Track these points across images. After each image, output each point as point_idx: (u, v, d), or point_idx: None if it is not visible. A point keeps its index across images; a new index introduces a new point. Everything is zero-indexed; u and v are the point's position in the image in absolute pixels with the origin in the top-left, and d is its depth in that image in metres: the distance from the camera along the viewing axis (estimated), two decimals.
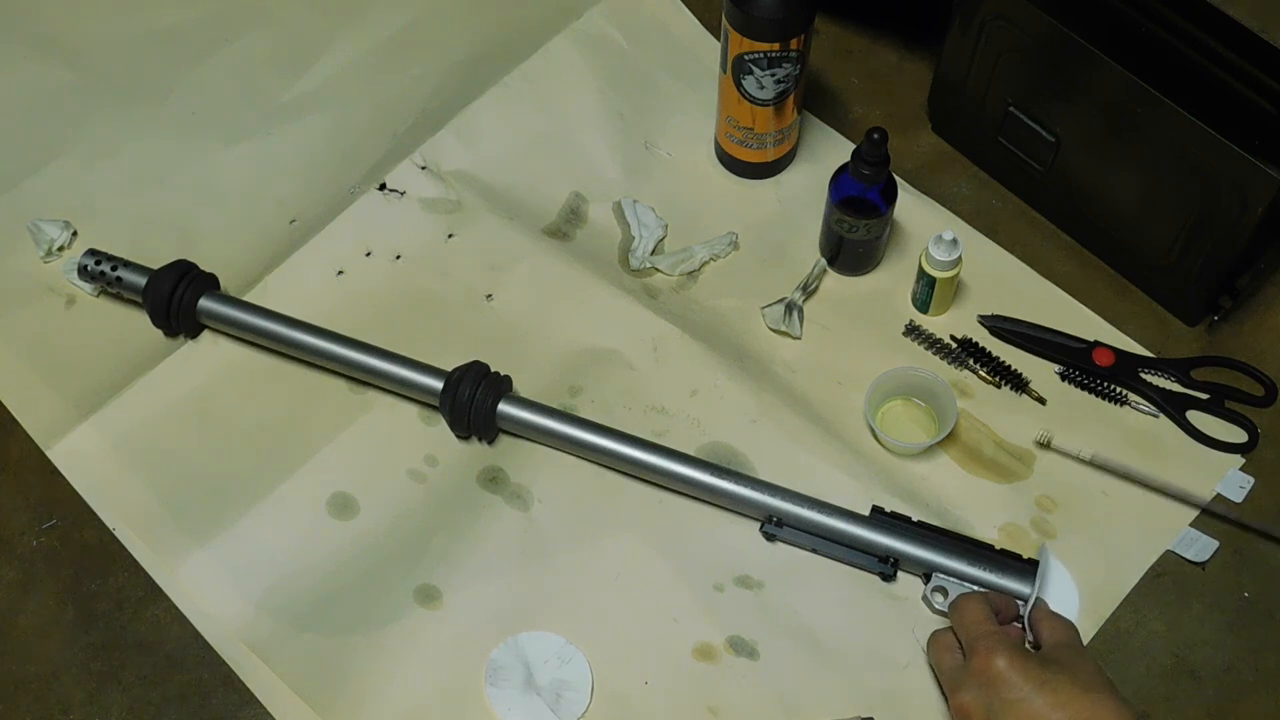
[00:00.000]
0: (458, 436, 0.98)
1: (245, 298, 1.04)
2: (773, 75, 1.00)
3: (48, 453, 0.98)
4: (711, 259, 1.07)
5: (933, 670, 0.87)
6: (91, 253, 1.03)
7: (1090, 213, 1.04)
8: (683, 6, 1.21)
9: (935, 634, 0.86)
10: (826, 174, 1.01)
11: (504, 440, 0.99)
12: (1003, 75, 1.02)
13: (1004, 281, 1.05)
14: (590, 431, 0.95)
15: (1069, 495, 0.96)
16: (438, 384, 0.97)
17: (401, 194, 1.10)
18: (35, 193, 1.11)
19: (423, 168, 1.11)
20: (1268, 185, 0.87)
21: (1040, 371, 1.01)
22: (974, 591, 0.88)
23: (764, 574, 0.93)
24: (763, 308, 1.04)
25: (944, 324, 1.04)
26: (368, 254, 1.08)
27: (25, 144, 1.13)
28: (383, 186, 1.11)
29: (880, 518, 0.92)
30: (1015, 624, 0.87)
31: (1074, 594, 0.91)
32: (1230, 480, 0.96)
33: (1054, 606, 0.88)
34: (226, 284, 1.05)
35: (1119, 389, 1.00)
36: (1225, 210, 0.92)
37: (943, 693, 0.85)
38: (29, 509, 0.97)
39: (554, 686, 0.88)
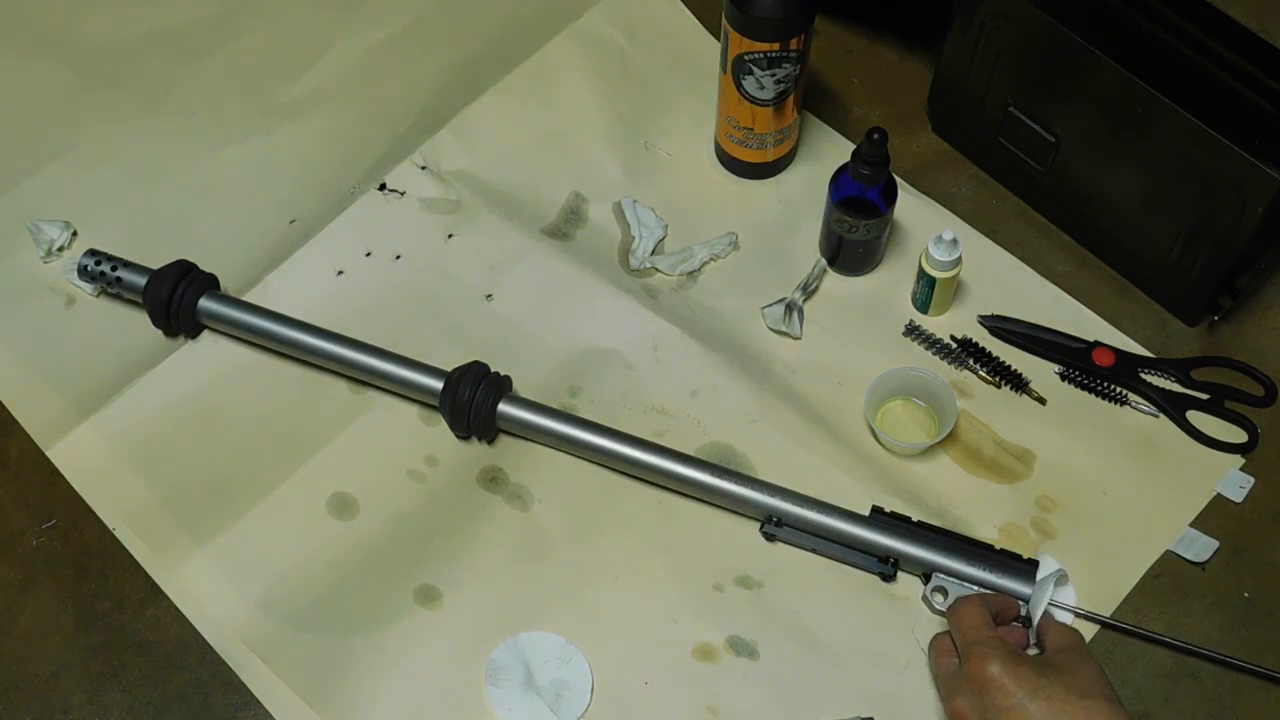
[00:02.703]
0: (458, 436, 0.98)
1: (245, 298, 1.04)
2: (773, 75, 1.00)
3: (48, 453, 0.98)
4: (711, 259, 1.07)
5: (932, 672, 0.87)
6: (91, 253, 1.03)
7: (1090, 213, 1.04)
8: (683, 6, 1.21)
9: (936, 637, 0.86)
10: (826, 174, 1.01)
11: (504, 440, 0.99)
12: (1003, 75, 1.02)
13: (1004, 281, 1.05)
14: (590, 431, 0.95)
15: (1069, 495, 0.96)
16: (438, 384, 0.97)
17: (401, 194, 1.10)
18: (35, 193, 1.11)
19: (423, 168, 1.11)
20: (1268, 185, 0.87)
21: (1040, 371, 1.01)
22: (972, 594, 0.88)
23: (764, 574, 0.93)
24: (763, 308, 1.04)
25: (944, 324, 1.04)
26: (368, 254, 1.08)
27: (25, 144, 1.13)
28: (383, 186, 1.11)
29: (880, 518, 0.92)
30: (1016, 625, 0.87)
31: (1071, 595, 0.91)
32: (1230, 480, 0.96)
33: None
34: (226, 284, 1.05)
35: (1119, 389, 1.00)
36: (1225, 210, 0.92)
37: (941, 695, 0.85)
38: (29, 509, 0.97)
39: (554, 686, 0.88)
